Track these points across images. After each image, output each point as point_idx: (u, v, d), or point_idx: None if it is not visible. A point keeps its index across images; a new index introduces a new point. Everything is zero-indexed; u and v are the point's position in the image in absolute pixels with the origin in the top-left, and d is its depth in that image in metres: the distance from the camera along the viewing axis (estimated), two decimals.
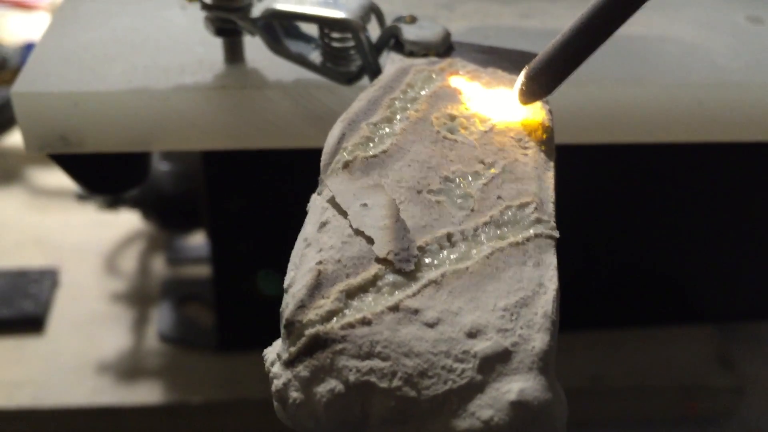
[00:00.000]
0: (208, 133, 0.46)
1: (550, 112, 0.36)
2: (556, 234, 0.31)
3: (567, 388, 0.72)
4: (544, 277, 0.29)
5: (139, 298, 0.77)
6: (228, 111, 0.45)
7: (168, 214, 0.74)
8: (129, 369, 0.71)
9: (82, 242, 0.81)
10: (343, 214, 0.30)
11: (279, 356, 0.27)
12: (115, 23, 0.50)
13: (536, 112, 0.36)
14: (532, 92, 0.35)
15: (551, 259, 0.30)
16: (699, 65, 0.49)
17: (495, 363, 0.26)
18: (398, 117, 0.35)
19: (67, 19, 0.50)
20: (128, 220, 0.81)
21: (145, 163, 0.53)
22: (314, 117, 0.46)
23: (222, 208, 0.64)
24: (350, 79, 0.44)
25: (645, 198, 0.66)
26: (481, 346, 0.26)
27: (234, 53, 0.46)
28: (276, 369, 0.27)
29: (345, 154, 0.33)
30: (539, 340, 0.27)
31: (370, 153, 0.33)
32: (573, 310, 0.71)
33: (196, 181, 0.70)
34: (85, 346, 0.72)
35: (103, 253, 0.80)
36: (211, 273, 0.69)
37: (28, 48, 0.85)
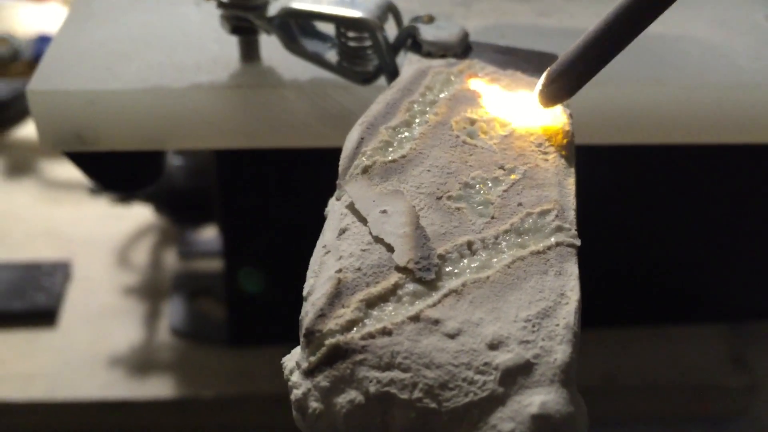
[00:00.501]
0: (223, 132, 0.46)
1: (570, 116, 0.36)
2: (578, 242, 0.30)
3: (579, 386, 0.72)
4: (566, 287, 0.28)
5: (150, 292, 0.77)
6: (243, 110, 0.45)
7: (180, 208, 0.74)
8: (141, 363, 0.71)
9: (94, 235, 0.81)
10: (363, 220, 0.30)
11: (298, 365, 0.27)
12: (130, 19, 0.50)
13: (557, 117, 0.36)
14: (553, 95, 0.35)
15: (573, 269, 0.29)
16: (719, 66, 0.48)
17: (516, 375, 0.26)
18: (417, 121, 0.35)
19: (81, 15, 0.50)
20: (140, 214, 0.81)
21: (159, 162, 0.53)
22: (330, 116, 0.46)
23: (234, 204, 0.64)
24: (366, 79, 0.44)
25: (660, 197, 0.65)
26: (503, 358, 0.26)
27: (250, 52, 0.46)
28: (295, 378, 0.27)
29: (364, 158, 0.33)
30: (561, 352, 0.26)
31: (389, 158, 0.33)
32: (586, 308, 0.71)
33: (208, 176, 0.70)
34: (97, 340, 0.72)
35: (115, 246, 0.80)
36: (223, 268, 0.69)
37: (40, 40, 0.85)
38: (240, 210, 0.64)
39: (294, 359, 0.28)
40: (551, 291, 0.28)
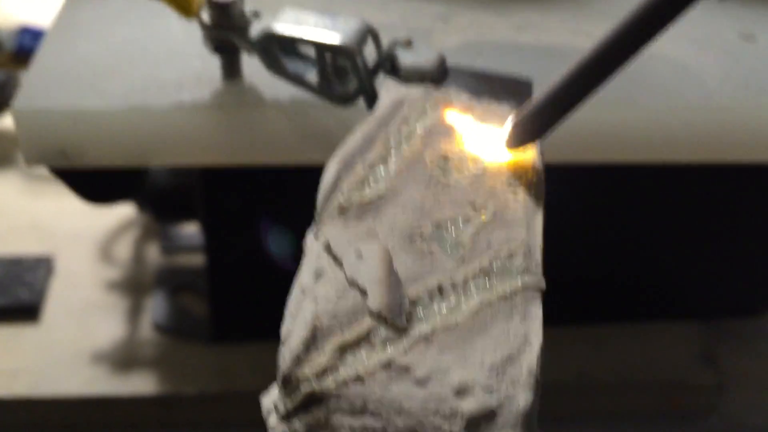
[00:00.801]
0: (206, 150, 0.47)
1: (541, 153, 0.37)
2: (543, 285, 0.32)
3: (553, 382, 0.73)
4: (530, 331, 0.30)
5: (133, 287, 0.78)
6: (226, 129, 0.46)
7: (163, 206, 0.75)
8: (124, 359, 0.72)
9: (77, 229, 0.82)
10: (339, 263, 0.31)
11: (276, 407, 0.28)
12: (113, 33, 0.50)
13: (527, 153, 0.37)
14: (518, 139, 0.36)
15: (537, 312, 0.31)
16: (689, 87, 0.50)
17: (481, 422, 0.27)
18: (393, 156, 0.36)
19: (65, 29, 0.50)
20: (123, 208, 0.81)
21: (141, 175, 0.53)
22: (311, 135, 0.46)
23: (216, 201, 0.64)
24: (346, 100, 0.45)
25: (633, 202, 0.67)
26: (468, 405, 0.27)
27: (232, 70, 0.47)
28: (272, 421, 0.28)
29: (340, 196, 0.34)
30: (523, 399, 0.28)
31: (365, 196, 0.34)
32: (560, 306, 0.73)
33: (191, 173, 0.71)
34: (80, 335, 0.73)
35: (97, 240, 0.81)
36: (205, 265, 0.70)
37: (23, 32, 0.84)
38: (222, 207, 0.65)
39: (272, 399, 0.29)
40: (516, 336, 0.30)
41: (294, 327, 0.29)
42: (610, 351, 0.76)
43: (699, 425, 0.76)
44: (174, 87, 0.46)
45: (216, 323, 0.73)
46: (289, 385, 0.28)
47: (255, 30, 0.44)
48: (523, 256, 0.32)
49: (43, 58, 0.48)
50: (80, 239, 0.81)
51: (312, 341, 0.29)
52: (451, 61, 0.49)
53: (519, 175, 0.36)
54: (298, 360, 0.28)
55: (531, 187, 0.36)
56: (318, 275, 0.31)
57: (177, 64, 0.48)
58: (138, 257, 0.80)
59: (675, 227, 0.70)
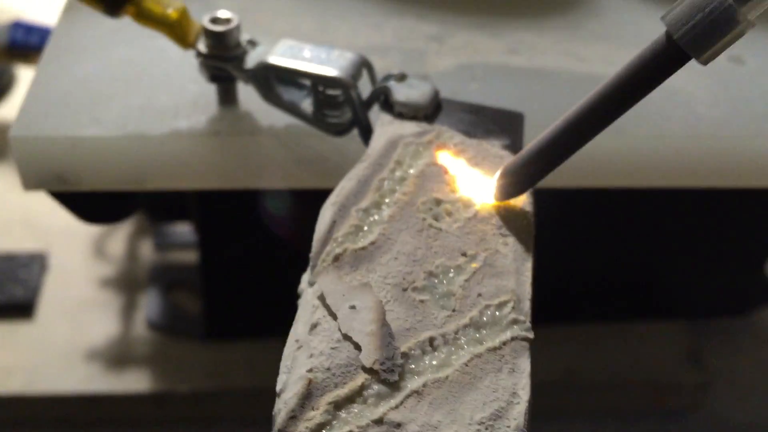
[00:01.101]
0: (202, 175, 0.47)
1: (532, 195, 0.38)
2: (531, 335, 0.33)
3: (541, 381, 0.75)
4: (518, 385, 0.31)
5: (127, 284, 0.79)
6: (221, 155, 0.47)
7: (155, 206, 0.75)
8: (118, 356, 0.73)
9: (70, 225, 0.82)
10: (333, 315, 0.32)
11: None
12: (110, 54, 0.50)
13: (518, 198, 0.38)
14: (505, 191, 0.37)
15: (525, 365, 0.32)
16: (679, 114, 0.51)
17: None
18: (387, 201, 0.37)
19: (61, 50, 0.50)
20: None
21: (137, 197, 0.54)
22: (306, 161, 0.47)
23: (209, 201, 0.65)
24: (340, 131, 0.45)
25: (621, 206, 0.68)
26: None
27: (227, 97, 0.47)
28: None
29: (335, 245, 0.35)
30: None
31: (359, 245, 0.35)
32: (549, 306, 0.74)
33: None
34: (74, 333, 0.74)
35: (91, 236, 0.82)
36: (199, 264, 0.71)
37: (15, 26, 0.84)
38: (215, 206, 0.66)
39: None
40: (504, 390, 0.31)
41: (289, 380, 0.31)
42: (597, 350, 0.78)
43: (685, 423, 0.77)
44: (170, 113, 0.47)
45: (209, 321, 0.74)
46: None
47: (251, 60, 0.45)
48: (512, 306, 0.34)
49: (40, 81, 0.48)
50: (74, 236, 0.81)
51: (307, 397, 0.30)
52: (446, 86, 0.49)
53: (509, 219, 0.37)
54: (294, 416, 0.29)
55: (521, 233, 0.37)
56: (313, 327, 0.32)
57: (173, 88, 0.49)
58: (131, 254, 0.81)
59: (662, 229, 0.71)
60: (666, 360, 0.78)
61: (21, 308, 0.75)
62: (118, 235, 0.82)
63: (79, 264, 0.80)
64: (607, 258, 0.73)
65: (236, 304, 0.74)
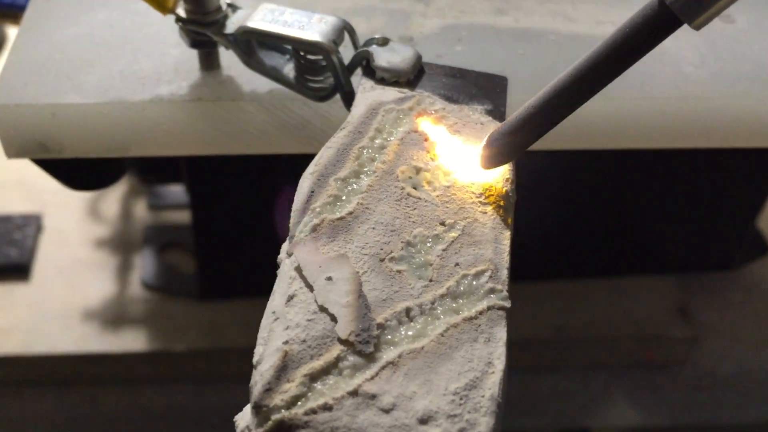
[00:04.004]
0: (185, 142, 0.47)
1: (514, 162, 0.38)
2: (508, 304, 0.33)
3: (532, 337, 0.75)
4: (494, 355, 0.31)
5: (121, 244, 0.79)
6: (203, 121, 0.46)
7: (146, 168, 0.75)
8: (114, 316, 0.74)
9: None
10: (309, 287, 0.32)
11: (248, 429, 0.30)
12: (90, 19, 0.50)
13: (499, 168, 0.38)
14: (492, 159, 0.37)
15: (501, 333, 0.32)
16: (666, 74, 0.50)
17: None
18: (366, 170, 0.37)
19: (41, 15, 0.50)
20: None
21: (122, 163, 0.54)
22: (289, 127, 0.47)
23: (199, 161, 0.64)
24: (323, 97, 0.45)
25: (609, 163, 0.68)
26: None
27: (209, 62, 0.47)
28: None
29: (313, 216, 0.35)
30: (485, 425, 0.29)
31: (337, 215, 0.35)
32: (539, 262, 0.75)
33: None
34: (70, 293, 0.75)
35: (85, 197, 0.82)
36: (191, 225, 0.71)
37: None
38: (205, 168, 0.65)
39: (245, 421, 0.31)
40: (479, 360, 0.31)
41: (265, 352, 0.31)
42: (587, 305, 0.78)
43: (672, 375, 0.78)
44: (152, 79, 0.47)
45: (203, 281, 0.75)
46: (260, 413, 0.29)
47: (231, 24, 0.44)
48: (489, 275, 0.34)
49: (19, 47, 0.48)
50: (68, 197, 0.81)
51: (282, 369, 0.30)
52: (430, 48, 0.49)
53: (489, 187, 0.37)
54: (269, 389, 0.30)
55: (501, 199, 0.37)
56: (289, 298, 0.32)
57: (155, 53, 0.48)
58: (126, 215, 0.81)
59: (651, 186, 0.71)
60: (655, 314, 0.78)
61: (17, 270, 0.76)
62: (112, 197, 0.82)
63: (73, 225, 0.80)
64: (597, 214, 0.73)
65: (230, 264, 0.74)
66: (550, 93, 0.34)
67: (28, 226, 0.78)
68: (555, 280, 0.79)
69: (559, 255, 0.76)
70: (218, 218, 0.71)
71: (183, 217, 0.80)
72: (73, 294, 0.75)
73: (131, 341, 0.73)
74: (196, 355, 0.73)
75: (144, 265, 0.77)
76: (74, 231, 0.80)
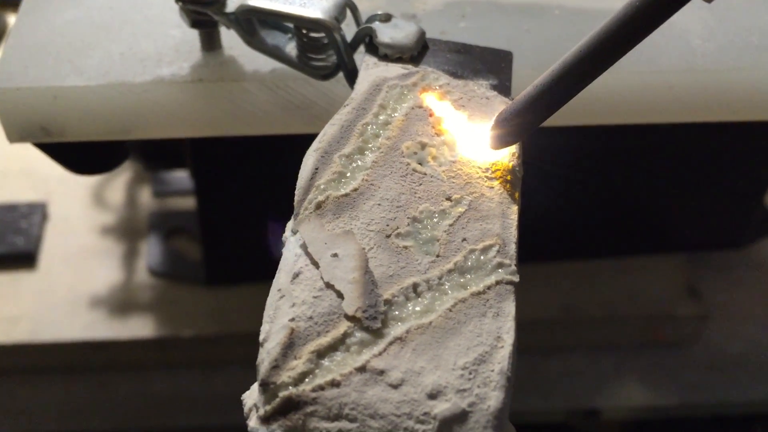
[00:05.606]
0: (187, 123, 0.47)
1: (521, 143, 0.37)
2: (516, 278, 0.33)
3: (540, 318, 0.74)
4: (503, 329, 0.31)
5: (127, 231, 0.79)
6: (205, 102, 0.46)
7: (151, 154, 0.75)
8: (121, 303, 0.74)
9: (69, 174, 0.82)
10: (315, 264, 0.32)
11: (256, 407, 0.30)
12: (90, 1, 0.49)
13: None
14: (501, 139, 0.36)
15: (510, 308, 0.32)
16: (673, 47, 0.49)
17: (453, 424, 0.28)
18: (370, 146, 0.36)
19: None
20: None
21: (125, 146, 0.54)
22: (292, 107, 0.47)
23: (204, 146, 0.64)
24: (325, 75, 0.45)
25: (618, 142, 0.67)
26: (441, 408, 0.29)
27: (210, 42, 0.47)
28: (253, 423, 0.30)
29: (317, 193, 0.34)
30: (494, 399, 0.29)
31: (342, 192, 0.34)
32: (547, 242, 0.75)
33: None
34: (77, 281, 0.75)
35: (90, 185, 0.82)
36: (197, 211, 0.71)
37: None
38: (209, 153, 0.65)
39: (253, 398, 0.30)
40: (488, 334, 0.31)
41: (272, 330, 0.31)
42: (595, 285, 0.78)
43: (682, 355, 0.78)
44: (153, 61, 0.46)
45: (209, 266, 0.74)
46: (267, 390, 0.29)
47: (232, 3, 0.44)
48: (497, 250, 0.33)
49: (19, 30, 0.47)
50: (73, 185, 0.81)
51: (289, 347, 0.30)
52: (434, 24, 0.48)
53: (496, 162, 0.36)
54: (276, 366, 0.29)
55: (508, 174, 0.36)
56: (295, 276, 0.32)
57: (156, 35, 0.48)
58: (131, 201, 0.81)
59: (660, 163, 0.70)
60: (664, 294, 0.78)
61: (23, 258, 0.76)
62: (117, 183, 0.82)
63: (79, 213, 0.80)
64: (605, 193, 0.72)
65: (236, 249, 0.74)
66: (558, 71, 0.33)
67: (34, 215, 0.78)
68: (563, 261, 0.78)
69: (568, 235, 0.75)
70: (223, 203, 0.71)
71: (188, 203, 0.80)
72: (80, 281, 0.75)
73: (138, 328, 0.73)
74: (203, 340, 0.73)
75: (150, 251, 0.77)
76: (80, 219, 0.79)
